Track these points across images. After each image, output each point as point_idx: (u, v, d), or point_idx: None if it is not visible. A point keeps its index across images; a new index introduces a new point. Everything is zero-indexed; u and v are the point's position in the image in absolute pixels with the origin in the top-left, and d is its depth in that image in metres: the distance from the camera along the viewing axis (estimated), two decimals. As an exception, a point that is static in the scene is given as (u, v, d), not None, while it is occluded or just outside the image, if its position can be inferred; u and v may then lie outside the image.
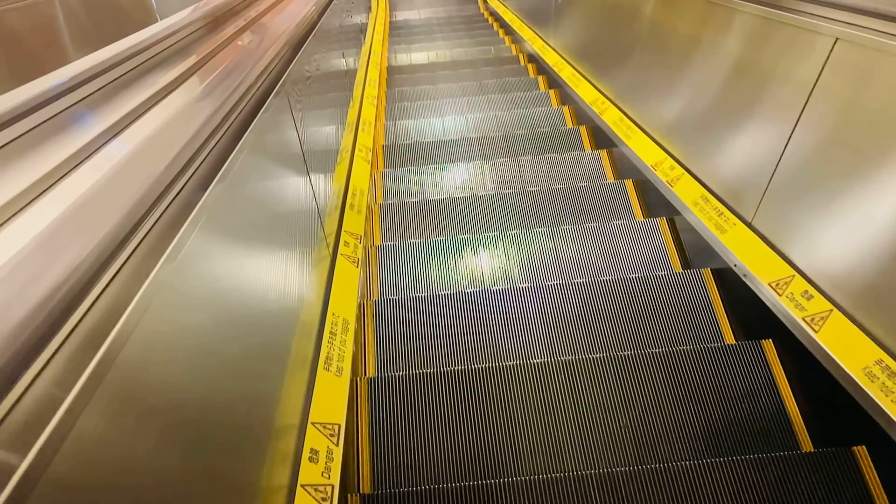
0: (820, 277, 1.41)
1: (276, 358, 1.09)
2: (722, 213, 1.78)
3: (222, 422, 0.79)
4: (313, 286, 1.45)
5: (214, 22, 1.55)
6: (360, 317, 1.79)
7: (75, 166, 0.62)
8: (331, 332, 1.41)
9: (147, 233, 0.60)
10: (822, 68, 1.33)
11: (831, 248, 1.36)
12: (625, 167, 2.55)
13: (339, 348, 1.39)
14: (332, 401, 1.22)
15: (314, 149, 1.63)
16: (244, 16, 1.66)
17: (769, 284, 1.51)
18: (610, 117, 2.66)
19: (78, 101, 0.77)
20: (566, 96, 3.45)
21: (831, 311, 1.35)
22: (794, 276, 1.47)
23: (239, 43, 1.37)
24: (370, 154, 2.56)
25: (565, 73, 3.42)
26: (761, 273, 1.55)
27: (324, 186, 1.73)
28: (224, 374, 0.82)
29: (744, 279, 1.63)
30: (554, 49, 3.89)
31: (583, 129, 3.06)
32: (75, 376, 0.44)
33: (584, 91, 3.06)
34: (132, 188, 0.61)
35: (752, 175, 1.65)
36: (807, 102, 1.40)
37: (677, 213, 2.02)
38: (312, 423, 1.14)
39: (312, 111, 1.70)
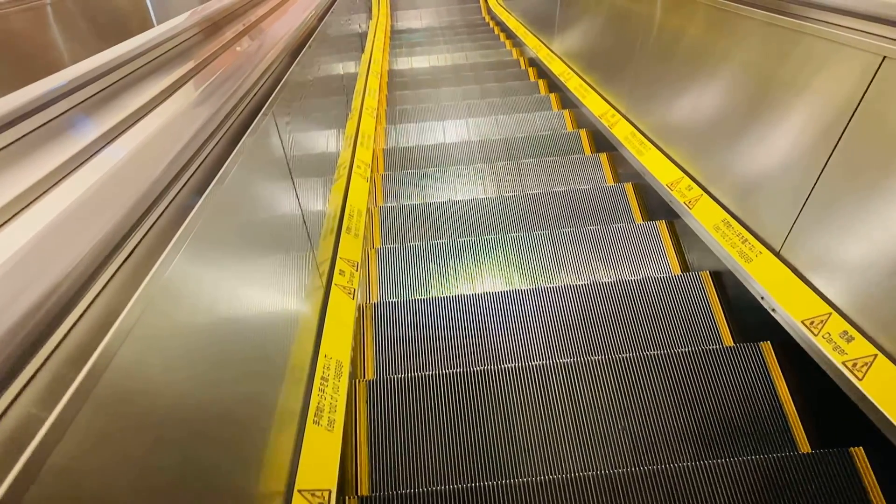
0: (861, 317, 1.28)
1: (258, 415, 0.97)
2: (746, 241, 1.65)
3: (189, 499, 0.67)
4: (303, 323, 1.33)
5: (202, 33, 1.43)
6: (359, 319, 1.78)
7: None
8: (322, 378, 1.28)
9: (111, 277, 0.54)
10: (868, 88, 1.20)
11: (874, 286, 1.23)
12: (641, 189, 2.41)
13: (332, 396, 1.26)
14: (322, 462, 1.09)
15: (306, 171, 1.51)
16: (233, 27, 1.54)
17: (802, 322, 1.37)
18: (621, 131, 2.54)
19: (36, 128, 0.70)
20: (580, 114, 3.32)
21: (876, 356, 1.21)
22: (830, 314, 1.34)
23: (221, 61, 1.25)
24: (369, 170, 2.44)
25: (573, 83, 3.29)
26: (793, 309, 1.41)
27: (317, 211, 1.61)
28: (195, 439, 0.70)
29: (772, 314, 1.50)
30: (560, 58, 3.77)
31: (587, 135, 2.93)
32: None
33: (593, 103, 2.94)
34: (98, 224, 0.55)
35: (782, 200, 1.52)
36: (848, 124, 1.27)
37: (695, 237, 1.89)
38: (299, 491, 1.01)
39: (305, 130, 1.58)
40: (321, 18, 2.23)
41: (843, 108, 1.28)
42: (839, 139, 1.30)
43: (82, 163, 0.68)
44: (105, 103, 0.88)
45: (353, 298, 1.61)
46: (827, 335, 1.31)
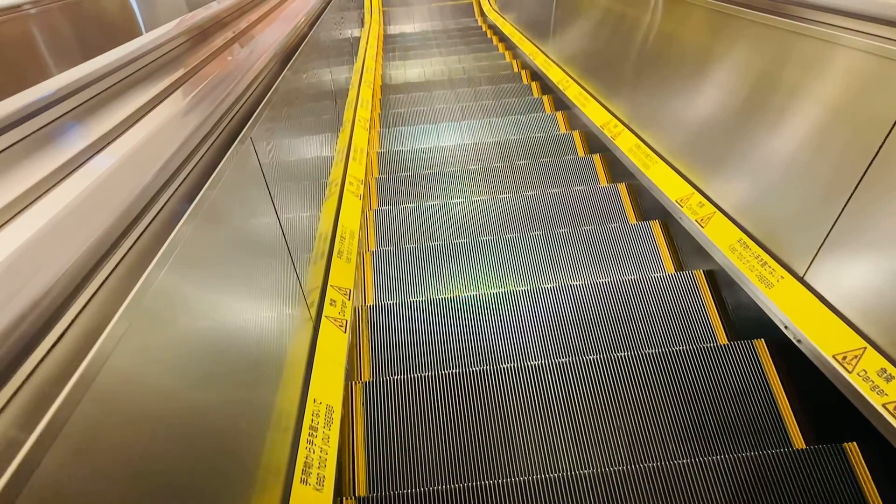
0: (901, 353, 1.17)
1: (236, 474, 0.85)
2: (766, 263, 1.54)
3: None
4: (289, 364, 1.21)
5: (176, 50, 1.31)
6: (355, 322, 1.80)
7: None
8: (311, 427, 1.16)
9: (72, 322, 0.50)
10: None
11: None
12: (645, 202, 2.31)
13: (321, 448, 1.14)
14: (309, 531, 0.97)
15: (290, 196, 1.39)
16: (210, 42, 1.42)
17: (834, 357, 1.26)
18: (625, 143, 2.43)
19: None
20: (580, 124, 3.22)
21: (919, 397, 1.11)
22: (865, 348, 1.23)
23: (193, 83, 1.14)
24: (362, 187, 2.32)
25: (571, 91, 3.19)
26: (822, 342, 1.30)
27: (304, 236, 1.49)
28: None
29: (797, 345, 1.39)
30: (557, 64, 3.67)
31: (598, 158, 2.82)
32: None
33: (594, 112, 2.83)
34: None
35: (807, 219, 1.42)
36: (889, 134, 1.16)
37: (710, 258, 1.78)
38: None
39: (290, 150, 1.46)
40: (309, 27, 2.11)
41: (883, 118, 1.17)
42: (878, 150, 1.19)
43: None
44: (51, 141, 0.76)
45: (346, 332, 1.49)
46: (863, 372, 1.20)
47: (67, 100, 0.79)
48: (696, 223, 1.83)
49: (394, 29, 7.24)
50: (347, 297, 1.62)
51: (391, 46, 6.01)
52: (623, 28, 2.61)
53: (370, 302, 2.01)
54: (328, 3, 2.75)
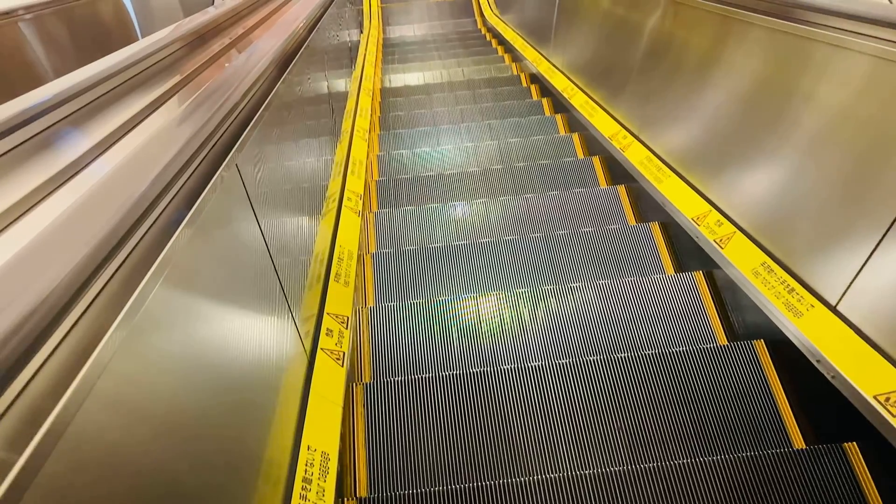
0: (952, 397, 1.07)
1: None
2: (793, 290, 1.44)
3: None
4: (282, 404, 1.11)
5: (159, 63, 1.21)
6: (356, 325, 1.79)
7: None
8: (304, 479, 1.06)
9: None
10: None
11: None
12: (658, 218, 2.20)
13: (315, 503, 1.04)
14: None
15: (283, 221, 1.29)
16: (197, 54, 1.32)
17: (875, 398, 1.16)
18: (635, 156, 2.33)
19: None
20: (590, 138, 3.11)
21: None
22: (910, 389, 1.13)
23: (176, 99, 1.04)
24: (360, 203, 2.22)
25: (577, 100, 3.09)
26: (861, 380, 1.20)
27: (297, 261, 1.39)
28: None
29: (831, 380, 1.28)
30: (562, 72, 3.57)
31: (599, 163, 2.72)
32: None
33: (602, 123, 2.73)
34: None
35: (843, 243, 1.31)
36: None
37: (731, 282, 1.67)
38: None
39: (282, 170, 1.36)
40: (308, 32, 2.01)
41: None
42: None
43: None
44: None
45: (343, 365, 1.39)
46: (909, 416, 1.10)
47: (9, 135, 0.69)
48: (715, 243, 1.73)
49: (394, 36, 7.14)
50: (345, 325, 1.52)
51: (390, 52, 5.92)
52: (634, 34, 2.51)
53: (370, 304, 2.00)
54: (326, 10, 2.65)
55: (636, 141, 2.40)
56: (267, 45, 1.42)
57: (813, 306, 1.37)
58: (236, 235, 0.98)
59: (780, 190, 1.54)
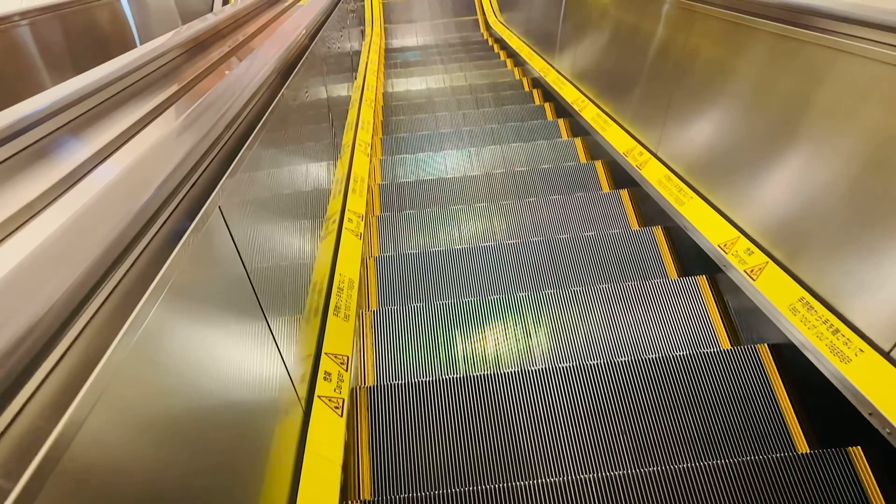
0: None
1: None
2: (838, 331, 1.31)
3: None
4: (271, 466, 0.98)
5: (133, 86, 1.09)
6: (358, 327, 1.79)
7: None
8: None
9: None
10: None
11: None
12: (684, 247, 2.07)
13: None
14: None
15: (274, 254, 1.16)
16: (185, 71, 1.20)
17: (943, 463, 1.03)
18: (654, 174, 2.20)
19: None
20: (602, 152, 2.98)
21: None
22: None
23: (150, 129, 0.91)
24: (362, 224, 2.09)
25: (588, 113, 2.96)
26: (924, 440, 1.07)
27: (292, 299, 1.26)
28: None
29: (886, 436, 1.15)
30: (572, 82, 3.45)
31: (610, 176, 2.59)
32: None
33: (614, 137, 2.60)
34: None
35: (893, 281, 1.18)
36: None
37: (764, 318, 1.54)
38: None
39: (274, 199, 1.24)
40: (310, 39, 1.89)
41: None
42: None
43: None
44: None
45: (343, 415, 1.26)
46: None
47: None
48: (745, 274, 1.60)
49: (395, 43, 7.03)
50: (345, 366, 1.39)
51: (392, 61, 5.80)
52: (651, 44, 2.38)
53: (373, 307, 2.01)
54: (327, 18, 2.54)
55: (653, 158, 2.27)
56: (260, 62, 1.30)
57: (862, 351, 1.24)
58: (219, 282, 0.85)
59: (821, 218, 1.40)
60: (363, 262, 2.03)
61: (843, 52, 1.31)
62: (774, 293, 1.50)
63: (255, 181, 1.06)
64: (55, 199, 0.74)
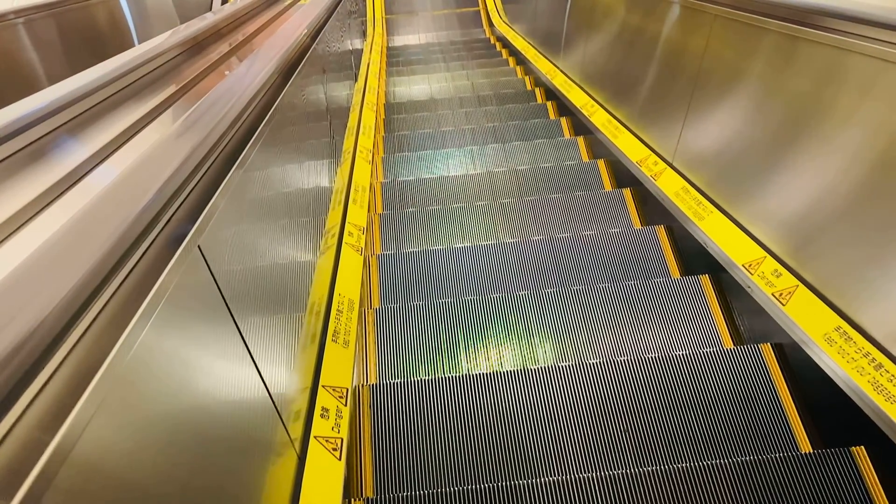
0: None
1: None
2: (881, 366, 1.20)
3: None
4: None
5: (108, 102, 0.99)
6: (361, 323, 1.79)
7: None
8: None
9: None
10: None
11: None
12: (700, 261, 1.96)
13: None
14: None
15: (263, 288, 1.06)
16: (161, 89, 1.09)
17: None
18: (670, 186, 2.09)
19: None
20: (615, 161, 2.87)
21: None
22: None
23: (122, 153, 0.81)
24: (363, 238, 1.98)
25: (598, 118, 2.85)
26: None
27: (284, 334, 1.15)
28: None
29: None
30: (580, 86, 3.34)
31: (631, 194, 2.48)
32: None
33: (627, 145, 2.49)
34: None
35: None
36: None
37: (794, 345, 1.43)
38: None
39: (263, 226, 1.13)
40: (311, 39, 1.78)
41: None
42: None
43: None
44: None
45: (341, 458, 1.15)
46: None
47: None
48: (774, 298, 1.49)
49: (397, 43, 6.92)
50: (344, 400, 1.28)
51: (394, 60, 5.69)
52: (668, 46, 2.27)
53: (376, 304, 2.00)
54: (330, 15, 2.43)
55: (669, 168, 2.16)
56: (253, 71, 1.19)
57: (910, 389, 1.14)
58: (198, 330, 0.74)
59: (863, 239, 1.29)
60: (365, 261, 1.99)
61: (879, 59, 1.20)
62: (807, 320, 1.39)
63: (241, 198, 0.95)
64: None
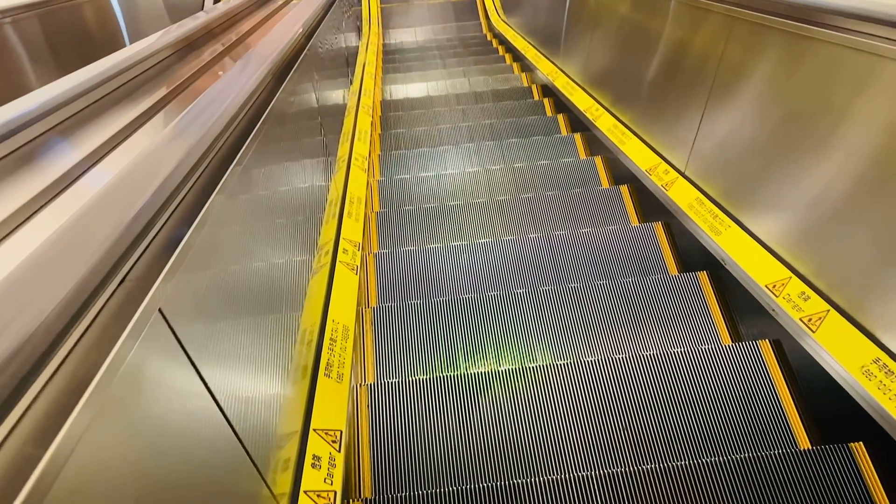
0: None
1: None
2: (928, 405, 1.09)
3: None
4: None
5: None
6: (359, 324, 1.78)
7: None
8: None
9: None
10: None
11: None
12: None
13: None
14: None
15: (242, 343, 0.94)
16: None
17: None
18: (683, 197, 1.97)
19: None
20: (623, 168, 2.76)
21: None
22: None
23: (68, 197, 0.69)
24: (358, 254, 1.87)
25: (604, 124, 2.74)
26: None
27: (270, 365, 1.04)
28: None
29: None
30: (584, 88, 3.22)
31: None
32: None
33: (635, 151, 2.38)
34: None
35: None
36: None
37: (826, 377, 1.32)
38: None
39: (245, 264, 1.01)
40: (306, 39, 1.66)
41: None
42: None
43: None
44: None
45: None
46: None
47: None
48: (802, 324, 1.38)
49: (393, 42, 6.78)
50: (338, 445, 1.17)
51: (390, 59, 5.56)
52: (682, 47, 2.16)
53: (373, 304, 1.99)
54: (322, 19, 2.30)
55: (681, 177, 2.05)
56: (238, 83, 1.07)
57: (962, 434, 1.03)
58: (163, 397, 0.63)
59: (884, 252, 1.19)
60: (363, 260, 1.96)
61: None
62: (840, 350, 1.28)
63: (225, 219, 0.84)
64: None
